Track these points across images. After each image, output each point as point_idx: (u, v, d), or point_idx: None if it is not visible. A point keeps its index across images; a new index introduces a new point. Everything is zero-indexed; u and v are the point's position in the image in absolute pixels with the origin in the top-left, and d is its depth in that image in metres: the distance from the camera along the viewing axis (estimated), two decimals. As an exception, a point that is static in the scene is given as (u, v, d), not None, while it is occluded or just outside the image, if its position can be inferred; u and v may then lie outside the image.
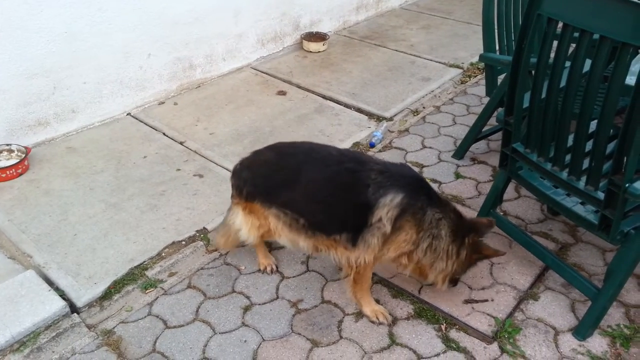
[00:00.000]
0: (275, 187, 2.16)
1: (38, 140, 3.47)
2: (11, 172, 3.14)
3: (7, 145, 3.29)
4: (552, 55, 1.97)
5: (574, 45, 1.87)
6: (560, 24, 1.89)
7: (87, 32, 3.48)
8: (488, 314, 2.27)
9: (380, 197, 1.97)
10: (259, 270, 2.55)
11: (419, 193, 2.03)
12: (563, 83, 1.94)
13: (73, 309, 2.35)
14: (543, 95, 2.04)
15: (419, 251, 2.07)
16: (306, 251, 2.30)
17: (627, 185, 1.77)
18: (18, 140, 3.36)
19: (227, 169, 3.28)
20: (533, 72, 2.05)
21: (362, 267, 2.13)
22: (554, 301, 2.34)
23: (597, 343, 2.14)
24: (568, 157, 2.04)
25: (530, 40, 2.03)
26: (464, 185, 3.12)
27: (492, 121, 3.23)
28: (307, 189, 2.09)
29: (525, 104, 2.15)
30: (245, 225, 2.29)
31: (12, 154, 3.29)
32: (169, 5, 3.87)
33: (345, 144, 3.54)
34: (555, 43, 1.95)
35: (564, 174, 2.08)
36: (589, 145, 1.93)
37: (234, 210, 2.35)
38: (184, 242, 2.72)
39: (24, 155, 3.23)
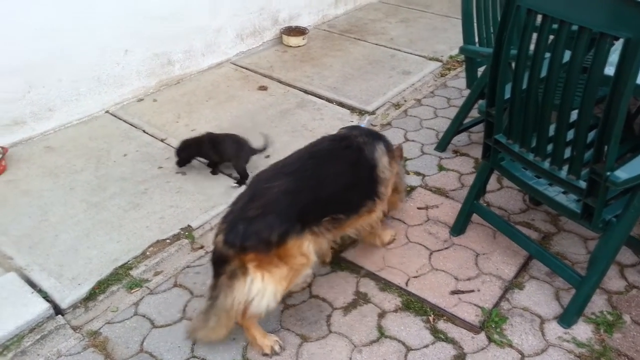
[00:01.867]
0: (307, 206, 1.95)
1: (15, 139, 3.39)
2: (-13, 173, 3.07)
3: (-17, 145, 3.21)
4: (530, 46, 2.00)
5: (550, 36, 1.90)
6: (539, 15, 1.91)
7: (62, 29, 3.40)
8: (475, 305, 2.30)
9: (374, 154, 2.23)
10: (265, 355, 2.11)
11: (381, 137, 2.38)
12: (543, 74, 1.97)
13: (57, 310, 2.31)
14: (524, 86, 2.06)
15: (398, 178, 2.45)
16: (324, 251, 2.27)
17: (608, 173, 1.81)
18: (-6, 140, 3.28)
19: (209, 166, 3.25)
20: (513, 63, 2.08)
21: (379, 219, 2.36)
22: (539, 290, 2.38)
23: (582, 330, 2.19)
24: (549, 147, 2.08)
25: (510, 32, 2.05)
26: (447, 177, 3.15)
27: (473, 113, 3.26)
28: (335, 184, 2.06)
29: (507, 96, 2.17)
30: (276, 286, 1.92)
31: (-13, 155, 3.21)
32: (143, 0, 3.80)
33: (328, 139, 3.53)
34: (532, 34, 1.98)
35: (546, 164, 2.11)
36: (569, 135, 1.96)
37: (249, 279, 1.89)
38: (168, 241, 2.68)
39: (1, 156, 3.15)
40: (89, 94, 3.69)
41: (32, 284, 2.40)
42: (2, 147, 3.21)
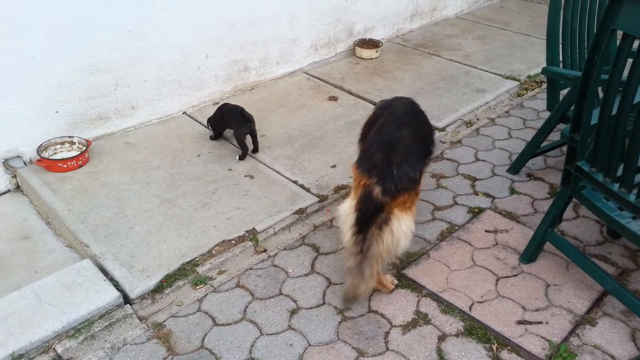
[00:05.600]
0: (421, 148, 2.37)
1: (98, 134, 3.60)
2: (72, 163, 3.26)
3: (70, 137, 3.42)
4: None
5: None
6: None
7: (150, 32, 3.58)
8: (542, 337, 2.19)
9: (424, 112, 2.62)
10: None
11: None
12: (636, 100, 1.87)
13: (126, 300, 2.41)
14: (613, 113, 1.96)
15: None
16: None
17: None
18: (79, 133, 3.48)
19: (277, 171, 3.30)
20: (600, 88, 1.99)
21: None
22: (613, 328, 2.24)
23: (660, 376, 2.04)
24: (637, 178, 1.96)
25: (601, 56, 1.95)
26: (520, 201, 3.03)
27: (551, 136, 3.12)
28: (426, 132, 2.53)
29: (593, 121, 2.07)
30: (414, 221, 2.25)
31: (73, 146, 3.42)
32: (228, 8, 3.94)
33: (396, 153, 3.50)
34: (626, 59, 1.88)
35: (632, 196, 1.99)
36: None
37: (399, 220, 2.15)
38: (233, 242, 2.75)
39: (84, 148, 3.35)
40: (169, 95, 3.87)
41: (105, 272, 2.52)
42: (87, 140, 3.41)
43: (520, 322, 2.26)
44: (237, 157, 3.41)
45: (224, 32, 4.00)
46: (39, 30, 3.08)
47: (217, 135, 3.63)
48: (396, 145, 2.20)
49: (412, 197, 2.17)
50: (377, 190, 2.10)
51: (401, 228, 2.14)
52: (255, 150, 3.48)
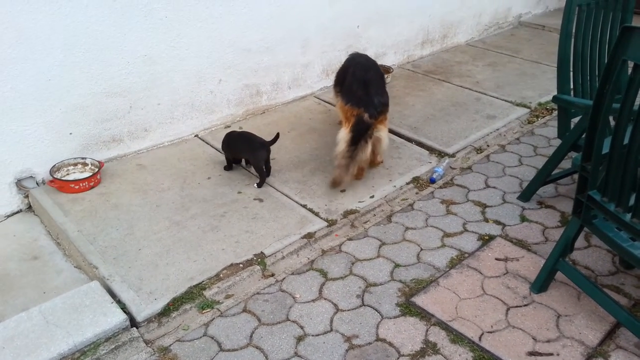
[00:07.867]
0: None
1: (111, 155, 3.64)
2: (84, 184, 3.29)
3: (82, 158, 3.46)
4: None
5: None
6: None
7: (165, 56, 3.65)
8: (554, 369, 2.15)
9: None
10: None
11: None
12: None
13: (132, 323, 2.40)
14: (625, 142, 1.95)
15: None
16: None
17: None
18: (92, 154, 3.53)
19: (286, 195, 3.31)
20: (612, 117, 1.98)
21: None
22: (627, 362, 2.19)
23: (676, 413, 1.98)
24: (650, 209, 1.94)
25: (612, 86, 1.95)
26: (530, 229, 3.01)
27: (562, 164, 3.11)
28: (381, 77, 3.51)
29: (605, 150, 2.06)
30: (387, 131, 3.40)
31: (85, 167, 3.45)
32: (242, 34, 4.02)
33: (405, 178, 3.51)
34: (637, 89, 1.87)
35: (645, 227, 1.96)
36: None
37: (380, 133, 3.25)
38: (241, 265, 2.74)
39: (97, 169, 3.39)
40: (182, 118, 3.92)
41: (113, 294, 2.52)
42: (99, 162, 3.45)
43: (530, 354, 2.22)
44: (255, 184, 3.39)
45: (238, 57, 4.07)
46: (57, 53, 3.15)
47: (230, 165, 3.58)
48: (369, 83, 3.21)
49: (386, 115, 3.28)
50: (366, 116, 3.11)
51: (381, 134, 3.23)
52: (268, 174, 3.49)
